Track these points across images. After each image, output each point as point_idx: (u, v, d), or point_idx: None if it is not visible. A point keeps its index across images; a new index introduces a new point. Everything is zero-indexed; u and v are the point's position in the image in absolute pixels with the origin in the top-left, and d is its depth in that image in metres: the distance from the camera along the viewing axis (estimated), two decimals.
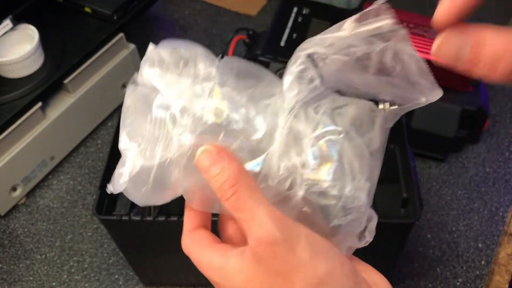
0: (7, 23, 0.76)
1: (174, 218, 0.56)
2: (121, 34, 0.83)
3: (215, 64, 0.34)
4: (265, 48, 0.77)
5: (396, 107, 0.33)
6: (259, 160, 0.32)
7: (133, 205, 0.57)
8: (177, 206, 0.76)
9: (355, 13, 0.30)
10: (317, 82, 0.32)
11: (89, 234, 0.75)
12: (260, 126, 0.32)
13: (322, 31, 0.31)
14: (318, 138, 0.32)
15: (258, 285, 0.30)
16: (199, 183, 0.33)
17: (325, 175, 0.32)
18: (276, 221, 0.30)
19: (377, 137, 0.34)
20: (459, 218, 0.74)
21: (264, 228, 0.30)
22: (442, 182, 0.78)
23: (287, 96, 0.33)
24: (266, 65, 0.76)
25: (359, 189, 0.33)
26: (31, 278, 0.71)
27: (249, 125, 0.32)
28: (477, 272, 0.69)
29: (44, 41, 0.78)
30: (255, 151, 0.33)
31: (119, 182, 0.33)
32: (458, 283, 0.68)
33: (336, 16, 0.81)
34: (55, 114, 0.78)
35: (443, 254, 0.71)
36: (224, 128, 0.32)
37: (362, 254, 0.36)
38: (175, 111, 0.32)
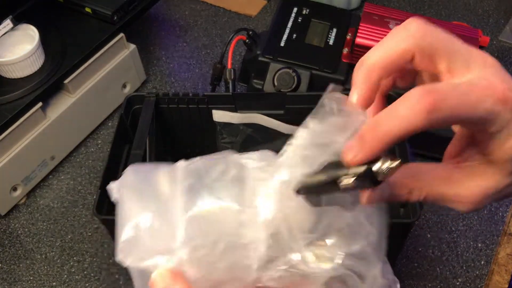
0: (8, 23, 0.76)
1: None
2: (121, 35, 0.83)
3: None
4: (265, 48, 0.78)
5: None
6: None
7: None
8: None
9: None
10: None
11: (89, 234, 0.76)
12: None
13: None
14: None
15: None
16: None
17: None
18: None
19: None
20: (459, 217, 0.74)
21: None
22: None
23: None
24: (265, 65, 0.76)
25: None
26: (31, 278, 0.71)
27: None
28: (477, 272, 0.69)
29: (45, 41, 0.78)
30: None
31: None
32: (457, 283, 0.69)
33: (335, 16, 0.81)
34: (56, 114, 0.78)
35: (442, 253, 0.71)
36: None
37: None
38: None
